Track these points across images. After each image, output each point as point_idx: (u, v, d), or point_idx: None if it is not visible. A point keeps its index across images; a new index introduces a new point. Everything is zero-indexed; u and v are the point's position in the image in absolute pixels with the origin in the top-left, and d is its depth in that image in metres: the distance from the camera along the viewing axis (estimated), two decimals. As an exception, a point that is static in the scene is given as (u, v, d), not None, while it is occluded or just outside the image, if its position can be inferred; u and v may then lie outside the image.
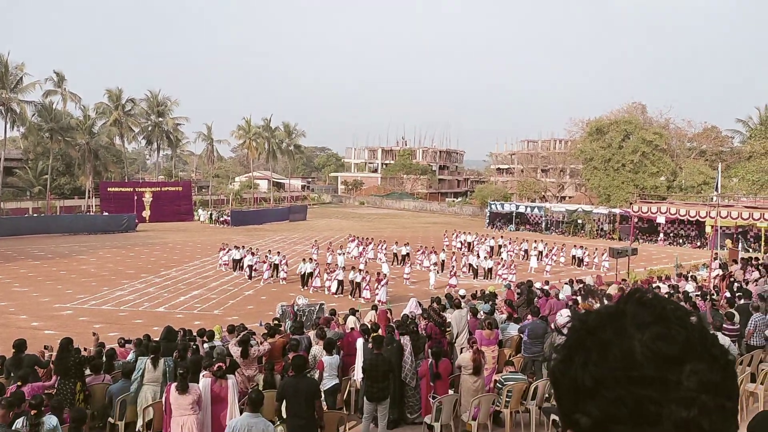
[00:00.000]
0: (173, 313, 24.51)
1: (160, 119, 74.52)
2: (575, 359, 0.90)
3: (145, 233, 53.31)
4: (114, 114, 67.60)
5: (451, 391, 10.74)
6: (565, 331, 11.40)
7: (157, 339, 12.00)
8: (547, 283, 23.18)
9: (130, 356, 12.17)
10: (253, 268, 32.13)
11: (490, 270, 33.17)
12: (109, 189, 63.38)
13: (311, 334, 13.24)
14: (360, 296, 27.19)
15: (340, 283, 28.42)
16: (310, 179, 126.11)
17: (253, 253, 33.09)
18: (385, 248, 37.28)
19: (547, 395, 11.27)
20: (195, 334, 13.93)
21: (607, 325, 0.90)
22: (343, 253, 34.67)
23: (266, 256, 32.75)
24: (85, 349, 13.28)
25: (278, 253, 33.17)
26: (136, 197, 61.91)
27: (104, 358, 11.74)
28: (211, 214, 65.36)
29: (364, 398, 10.06)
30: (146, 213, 62.57)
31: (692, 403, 0.82)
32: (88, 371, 10.89)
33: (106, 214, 58.22)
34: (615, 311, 0.92)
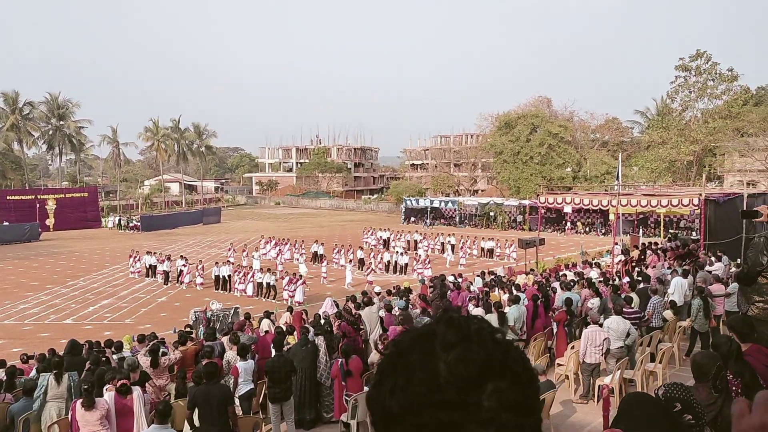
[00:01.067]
0: (82, 324, 23.64)
1: (62, 122, 71.37)
2: (385, 384, 0.89)
3: (50, 242, 50.96)
4: (11, 118, 64.27)
5: (366, 389, 10.91)
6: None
7: (61, 354, 11.59)
8: (460, 276, 23.78)
9: (33, 373, 11.71)
10: (168, 273, 31.49)
11: (406, 266, 33.64)
12: (8, 197, 60.09)
13: (225, 339, 13.11)
14: (275, 298, 27.03)
15: (258, 285, 28.17)
16: (223, 180, 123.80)
17: (169, 259, 32.46)
18: (303, 248, 37.15)
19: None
20: (103, 345, 13.53)
21: (416, 346, 0.89)
22: (259, 256, 34.33)
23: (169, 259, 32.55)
24: (-17, 369, 12.68)
25: (182, 257, 32.64)
26: (38, 205, 59.00)
27: (4, 376, 11.24)
28: (119, 220, 63.16)
29: (268, 400, 10.09)
30: (50, 221, 59.75)
31: (491, 423, 0.82)
32: (-13, 391, 10.41)
33: (6, 223, 55.22)
34: (426, 332, 0.91)
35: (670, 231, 39.56)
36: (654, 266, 20.09)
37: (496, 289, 20.18)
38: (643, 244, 28.94)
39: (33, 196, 60.68)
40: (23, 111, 66.33)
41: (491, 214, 58.68)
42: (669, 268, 19.51)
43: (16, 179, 70.34)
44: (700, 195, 28.50)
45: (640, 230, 41.02)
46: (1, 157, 66.31)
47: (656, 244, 28.41)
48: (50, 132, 71.05)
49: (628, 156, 57.23)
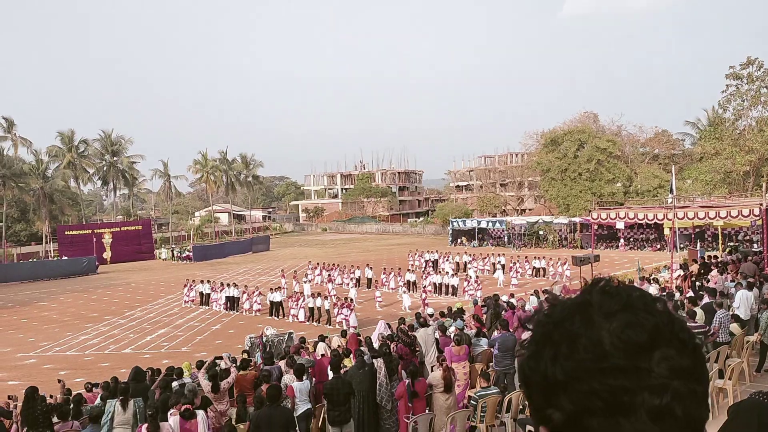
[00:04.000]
0: (140, 353, 24.06)
1: (115, 158, 73.60)
2: (544, 354, 0.88)
3: (107, 275, 52.31)
4: (67, 156, 66.51)
5: (426, 411, 10.77)
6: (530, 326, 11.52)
7: (125, 381, 11.78)
8: (512, 296, 23.43)
9: (98, 401, 11.92)
10: (236, 300, 32.34)
11: (455, 287, 33.37)
12: (66, 233, 62.07)
13: (282, 363, 13.15)
14: (328, 323, 27.08)
15: (310, 310, 28.32)
16: (270, 209, 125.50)
17: (235, 286, 33.31)
18: (352, 273, 37.24)
19: (521, 407, 11.38)
20: (165, 372, 13.70)
21: (574, 316, 0.88)
22: (308, 281, 34.58)
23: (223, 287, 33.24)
24: (51, 397, 12.97)
25: (235, 285, 33.16)
26: (95, 239, 60.76)
27: (71, 405, 11.47)
28: (172, 251, 64.46)
29: (327, 423, 10.04)
30: (107, 254, 61.43)
31: (665, 389, 0.80)
32: (55, 419, 10.63)
33: (65, 258, 56.99)
34: (580, 302, 0.90)
35: (730, 243, 38.30)
36: (716, 281, 19.45)
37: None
38: (703, 258, 28.09)
39: (90, 231, 62.50)
40: (78, 149, 68.59)
41: (540, 232, 57.89)
42: (732, 281, 18.87)
43: (74, 215, 72.59)
44: (761, 205, 27.54)
45: (698, 244, 39.83)
46: (59, 194, 68.50)
47: (715, 257, 27.54)
48: (104, 168, 73.31)
49: (680, 168, 55.89)
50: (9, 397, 13.88)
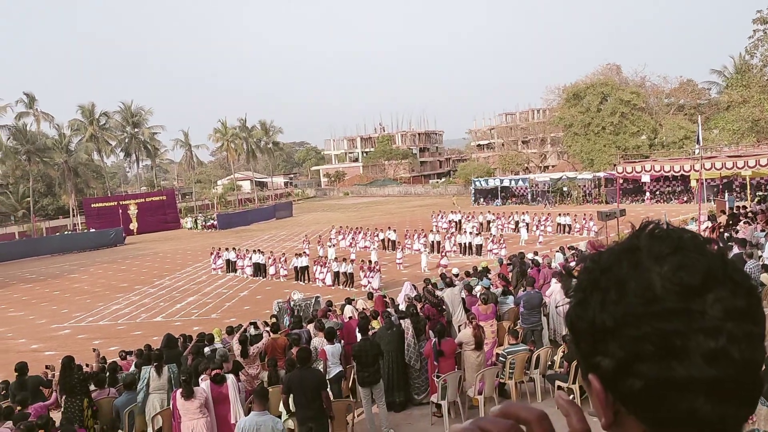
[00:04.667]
0: (171, 321, 24.49)
1: (136, 130, 74.01)
2: (591, 300, 0.85)
3: (134, 245, 53.07)
4: (89, 129, 66.99)
5: (456, 370, 10.83)
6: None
7: (158, 348, 12.00)
8: (536, 253, 23.32)
9: (132, 368, 12.17)
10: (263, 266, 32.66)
11: (480, 246, 33.31)
12: (93, 205, 62.94)
13: (310, 327, 13.28)
14: (352, 286, 27.28)
15: (335, 274, 28.54)
16: (292, 175, 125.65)
17: (260, 251, 33.66)
18: (374, 236, 37.34)
19: (549, 362, 11.41)
20: (196, 338, 13.93)
21: (622, 261, 0.85)
22: (333, 245, 34.82)
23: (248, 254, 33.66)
24: (87, 365, 13.27)
25: (261, 252, 33.55)
26: (121, 211, 61.56)
27: (107, 372, 11.73)
28: (195, 220, 65.11)
29: (357, 385, 10.15)
30: (133, 225, 62.26)
31: (719, 332, 0.77)
32: (92, 387, 10.88)
33: (93, 230, 57.89)
34: (628, 246, 0.86)
35: (759, 193, 37.64)
36: (745, 232, 19.14)
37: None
38: (731, 208, 27.65)
39: (115, 203, 63.30)
40: (100, 121, 69.00)
41: (564, 189, 57.34)
42: (762, 231, 18.56)
43: (98, 187, 73.42)
44: (791, 152, 26.94)
45: (726, 195, 39.19)
46: (83, 167, 69.21)
47: (744, 207, 27.09)
48: (126, 140, 73.81)
49: (707, 118, 54.65)
50: (46, 367, 14.27)
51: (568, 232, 37.76)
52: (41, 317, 27.61)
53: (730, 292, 0.80)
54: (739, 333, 0.78)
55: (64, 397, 10.23)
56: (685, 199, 49.42)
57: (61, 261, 46.81)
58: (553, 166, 78.12)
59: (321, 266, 29.36)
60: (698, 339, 0.77)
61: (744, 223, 21.56)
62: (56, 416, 9.87)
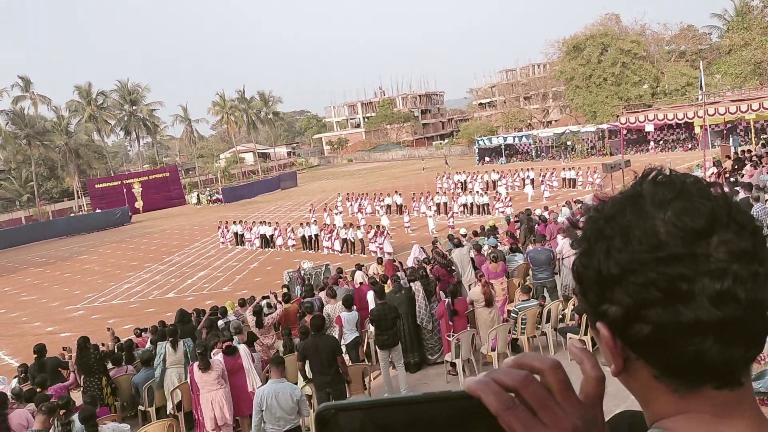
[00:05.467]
0: (183, 297, 24.67)
1: (134, 108, 73.66)
2: (596, 249, 0.85)
3: (141, 224, 53.28)
4: (87, 110, 66.73)
5: (469, 328, 10.91)
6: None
7: (172, 323, 12.10)
8: (546, 209, 23.28)
9: (148, 344, 12.29)
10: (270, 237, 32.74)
11: (486, 206, 33.27)
12: (97, 186, 63.03)
13: (321, 294, 13.36)
14: (363, 252, 27.35)
15: (344, 241, 28.63)
16: (294, 145, 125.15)
17: (267, 223, 33.82)
18: (382, 201, 37.32)
19: (560, 316, 11.47)
20: (209, 312, 14.03)
21: (625, 209, 0.84)
22: (339, 212, 34.86)
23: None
24: (102, 345, 13.41)
25: (267, 223, 33.58)
26: (125, 190, 61.63)
27: (123, 351, 11.86)
28: (199, 195, 65.23)
29: (377, 347, 10.26)
30: (138, 204, 62.40)
31: (725, 274, 0.77)
32: (110, 365, 11.01)
33: (99, 211, 58.08)
34: (631, 194, 0.86)
35: (763, 136, 37.28)
36: (751, 175, 19.04)
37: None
38: (736, 153, 27.44)
39: (119, 182, 63.35)
40: (97, 101, 68.67)
41: (568, 143, 56.99)
42: (769, 173, 18.44)
43: (101, 168, 73.40)
44: (795, 93, 26.61)
45: (731, 139, 38.85)
46: (84, 148, 69.09)
47: (749, 151, 26.88)
48: (125, 118, 73.52)
49: (708, 64, 53.90)
50: (63, 349, 14.42)
51: (573, 187, 37.66)
52: (54, 300, 27.85)
53: (734, 234, 0.79)
54: (745, 274, 0.78)
55: (82, 377, 10.36)
56: (689, 146, 49.08)
57: (69, 243, 47.07)
58: (555, 121, 77.51)
59: (328, 233, 29.42)
60: (704, 282, 0.77)
61: (750, 166, 21.45)
62: (76, 396, 10.00)
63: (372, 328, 10.89)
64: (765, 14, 54.02)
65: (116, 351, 12.62)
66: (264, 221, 34.33)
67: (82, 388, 10.31)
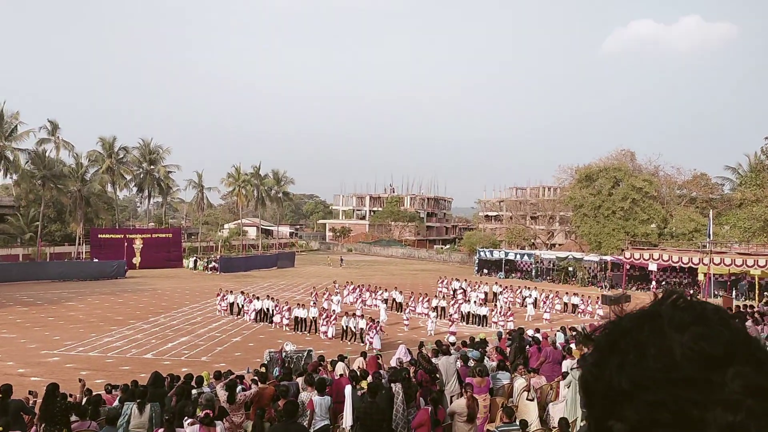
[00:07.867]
0: (161, 360, 24.14)
1: (152, 167, 74.79)
2: (609, 361, 0.84)
3: (135, 280, 52.90)
4: (107, 162, 67.69)
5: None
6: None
7: (144, 385, 11.79)
8: (538, 330, 23.01)
9: (116, 403, 11.93)
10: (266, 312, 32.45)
11: (484, 317, 32.99)
12: (99, 235, 63.04)
13: (299, 380, 13.05)
14: (362, 342, 27.00)
15: (344, 329, 28.63)
16: (298, 226, 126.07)
17: (270, 297, 33.47)
18: (382, 296, 37.15)
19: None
20: (183, 379, 13.68)
21: (643, 325, 0.84)
22: (338, 301, 34.80)
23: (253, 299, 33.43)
24: (71, 395, 13.02)
25: (270, 297, 33.33)
26: (126, 244, 61.60)
27: (90, 404, 11.49)
28: (195, 261, 65.11)
29: None
30: (136, 259, 62.20)
31: (739, 406, 0.75)
32: (74, 417, 10.65)
33: (96, 260, 57.82)
34: (650, 312, 0.86)
35: (766, 293, 37.27)
36: (752, 332, 18.86)
37: (581, 346, 19.39)
38: (737, 306, 27.36)
39: (122, 235, 63.42)
40: (118, 155, 69.82)
41: (570, 269, 57.07)
42: None
43: (108, 219, 73.68)
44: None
45: (733, 292, 38.83)
46: (96, 197, 69.64)
47: (752, 307, 26.82)
48: (141, 175, 74.54)
49: (718, 213, 54.74)
50: (30, 393, 14.00)
51: (574, 312, 37.36)
52: (32, 342, 27.31)
53: (753, 369, 0.78)
54: (759, 410, 0.76)
55: (42, 426, 10.00)
56: (691, 292, 48.79)
57: (60, 287, 46.62)
58: (560, 245, 77.98)
59: (326, 319, 29.21)
60: (716, 411, 0.75)
61: (751, 323, 21.30)
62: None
63: (346, 424, 10.55)
64: (779, 173, 55.21)
65: (84, 404, 12.24)
66: (268, 296, 34.22)
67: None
